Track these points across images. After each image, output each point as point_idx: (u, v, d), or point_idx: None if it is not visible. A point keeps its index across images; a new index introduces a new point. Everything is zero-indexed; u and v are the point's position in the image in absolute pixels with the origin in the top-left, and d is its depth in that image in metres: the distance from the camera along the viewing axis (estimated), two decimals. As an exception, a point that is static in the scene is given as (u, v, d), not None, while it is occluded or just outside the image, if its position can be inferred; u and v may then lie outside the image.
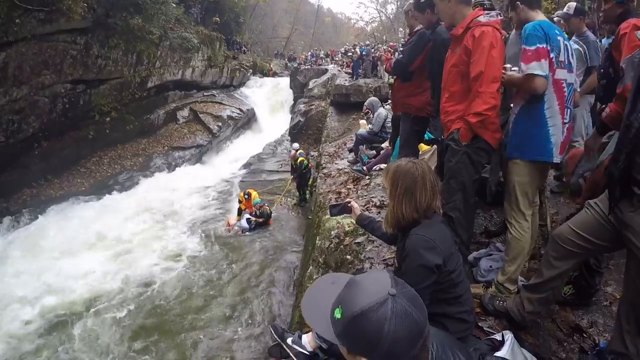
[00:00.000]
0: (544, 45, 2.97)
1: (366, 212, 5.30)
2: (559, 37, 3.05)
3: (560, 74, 3.05)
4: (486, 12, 3.34)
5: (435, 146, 5.85)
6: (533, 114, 3.10)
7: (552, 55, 2.99)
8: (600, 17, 3.52)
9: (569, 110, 3.12)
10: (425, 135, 6.10)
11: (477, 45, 3.15)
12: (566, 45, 3.11)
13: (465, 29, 3.29)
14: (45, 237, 14.30)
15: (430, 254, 2.26)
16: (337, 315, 1.28)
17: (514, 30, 4.36)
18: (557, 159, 3.12)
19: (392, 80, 6.16)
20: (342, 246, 4.94)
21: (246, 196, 14.85)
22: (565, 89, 3.08)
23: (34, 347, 8.56)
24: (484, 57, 3.11)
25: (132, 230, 14.73)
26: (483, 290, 3.45)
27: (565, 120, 3.10)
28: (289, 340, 2.68)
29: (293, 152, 16.59)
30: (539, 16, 3.24)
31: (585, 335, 3.13)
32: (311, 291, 1.66)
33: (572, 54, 3.15)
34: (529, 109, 3.12)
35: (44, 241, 14.00)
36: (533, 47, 2.97)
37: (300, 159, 15.60)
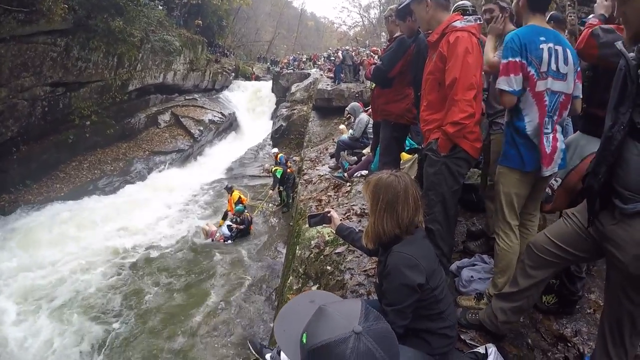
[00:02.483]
0: (517, 59, 2.89)
1: (346, 221, 5.27)
2: (542, 46, 2.90)
3: (541, 85, 2.92)
4: (464, 17, 3.25)
5: (416, 155, 5.80)
6: (517, 125, 3.02)
7: (530, 69, 2.89)
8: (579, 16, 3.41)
9: (550, 120, 2.98)
10: (407, 142, 6.06)
11: (452, 52, 3.05)
12: (556, 50, 2.94)
13: (441, 34, 3.20)
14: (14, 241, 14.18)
15: (413, 273, 2.20)
16: (304, 340, 1.24)
17: None
18: (532, 169, 3.00)
19: (373, 86, 6.11)
20: (322, 256, 4.87)
21: (227, 188, 15.22)
22: (547, 99, 2.95)
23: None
24: (458, 64, 3.00)
25: (109, 236, 14.58)
26: (475, 303, 3.40)
27: (547, 131, 2.97)
28: (268, 356, 2.62)
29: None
30: (534, 21, 3.07)
31: (569, 344, 3.10)
32: (286, 310, 1.59)
33: (565, 60, 2.97)
34: (513, 118, 3.06)
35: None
36: (505, 61, 2.93)
37: (274, 168, 15.55)
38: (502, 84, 2.94)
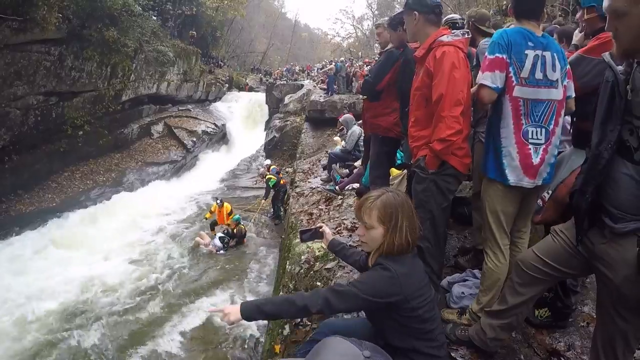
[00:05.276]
0: (504, 56, 2.82)
1: (337, 236, 5.23)
2: (528, 51, 2.81)
3: (518, 91, 2.84)
4: (452, 31, 3.21)
5: (405, 171, 5.77)
6: (492, 131, 2.98)
7: (510, 70, 2.83)
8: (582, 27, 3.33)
9: (544, 130, 2.88)
10: (399, 155, 6.03)
11: (438, 67, 3.00)
12: (544, 57, 2.84)
13: (428, 49, 3.16)
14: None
15: (389, 288, 2.19)
16: None
17: None
18: (513, 181, 2.91)
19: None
20: (312, 272, 4.84)
21: (219, 202, 14.82)
22: (522, 107, 2.86)
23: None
24: (445, 79, 2.95)
25: (101, 247, 14.53)
26: (457, 317, 3.37)
27: (538, 141, 2.88)
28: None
29: (262, 169, 16.63)
30: (526, 25, 2.95)
31: (562, 359, 3.07)
32: None
33: (553, 66, 2.85)
34: (490, 125, 3.02)
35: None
36: (492, 56, 2.86)
37: (268, 176, 15.53)
38: (486, 79, 2.85)
